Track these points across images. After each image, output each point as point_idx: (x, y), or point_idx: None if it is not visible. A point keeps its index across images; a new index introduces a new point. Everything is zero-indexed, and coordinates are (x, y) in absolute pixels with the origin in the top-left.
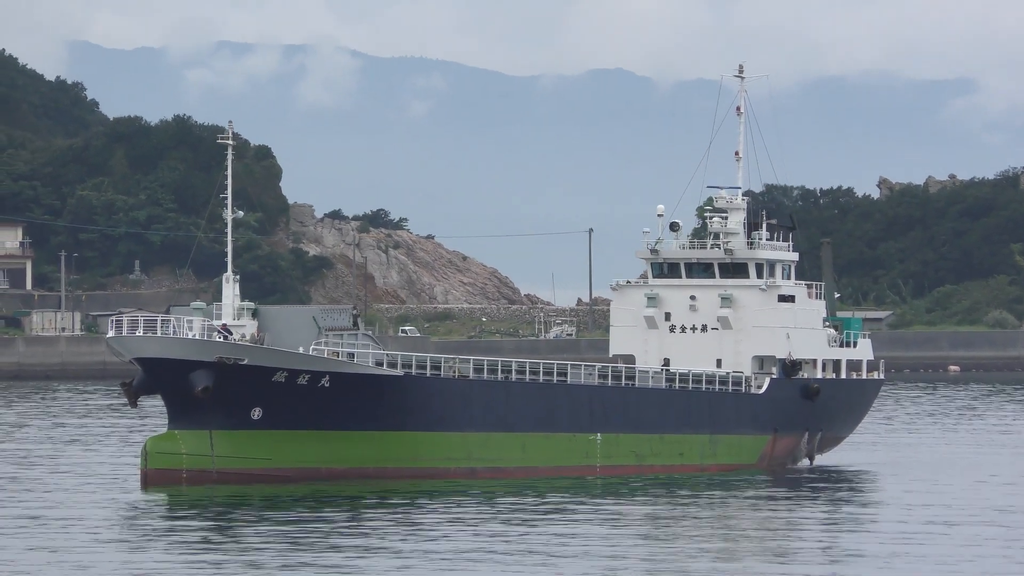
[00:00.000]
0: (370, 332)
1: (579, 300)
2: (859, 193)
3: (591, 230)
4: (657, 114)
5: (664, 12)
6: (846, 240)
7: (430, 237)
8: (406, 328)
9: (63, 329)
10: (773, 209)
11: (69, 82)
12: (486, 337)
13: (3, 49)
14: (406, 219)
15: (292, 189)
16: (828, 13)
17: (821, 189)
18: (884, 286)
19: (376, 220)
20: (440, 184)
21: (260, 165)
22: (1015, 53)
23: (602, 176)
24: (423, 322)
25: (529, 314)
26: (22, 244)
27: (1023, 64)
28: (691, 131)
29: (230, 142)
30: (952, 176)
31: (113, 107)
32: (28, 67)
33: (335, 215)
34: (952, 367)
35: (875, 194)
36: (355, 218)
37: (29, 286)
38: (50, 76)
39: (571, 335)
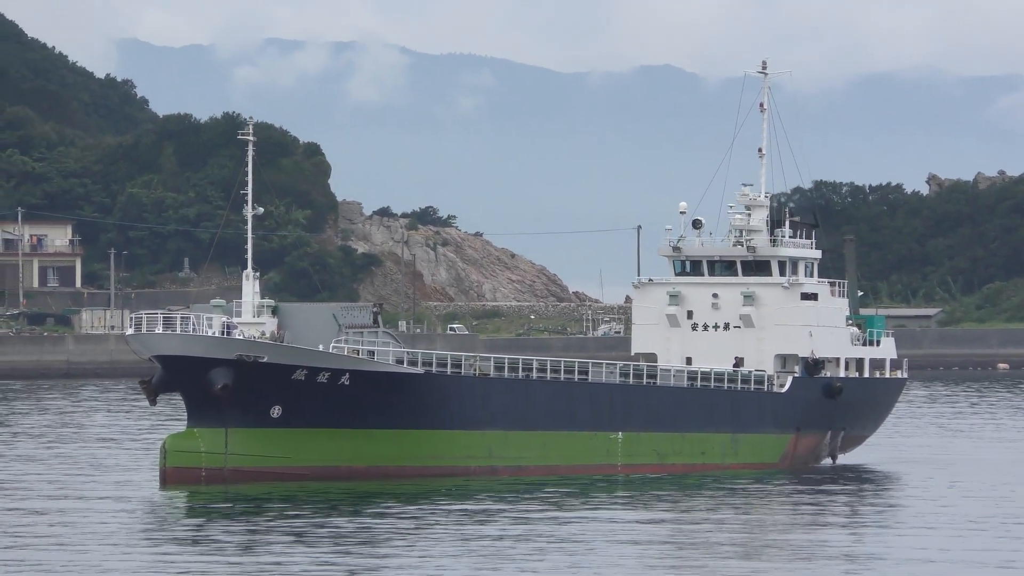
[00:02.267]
0: (391, 330)
1: (627, 297)
2: (908, 189)
3: (639, 227)
4: (705, 110)
5: (711, 8)
6: (895, 236)
7: (478, 234)
8: (454, 326)
9: (112, 327)
10: (822, 205)
11: (119, 80)
12: (534, 335)
13: (53, 47)
14: (455, 216)
15: (341, 186)
16: (875, 9)
17: (870, 185)
18: (933, 283)
19: (424, 217)
20: (489, 181)
21: (309, 162)
22: None
23: (651, 172)
24: (471, 320)
25: (577, 312)
26: (72, 242)
27: None
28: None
29: (251, 138)
30: (1002, 172)
31: (162, 104)
32: (78, 65)
33: (384, 212)
34: (1001, 364)
35: (924, 190)
36: (404, 215)
37: (79, 284)
38: (100, 74)
39: (619, 332)
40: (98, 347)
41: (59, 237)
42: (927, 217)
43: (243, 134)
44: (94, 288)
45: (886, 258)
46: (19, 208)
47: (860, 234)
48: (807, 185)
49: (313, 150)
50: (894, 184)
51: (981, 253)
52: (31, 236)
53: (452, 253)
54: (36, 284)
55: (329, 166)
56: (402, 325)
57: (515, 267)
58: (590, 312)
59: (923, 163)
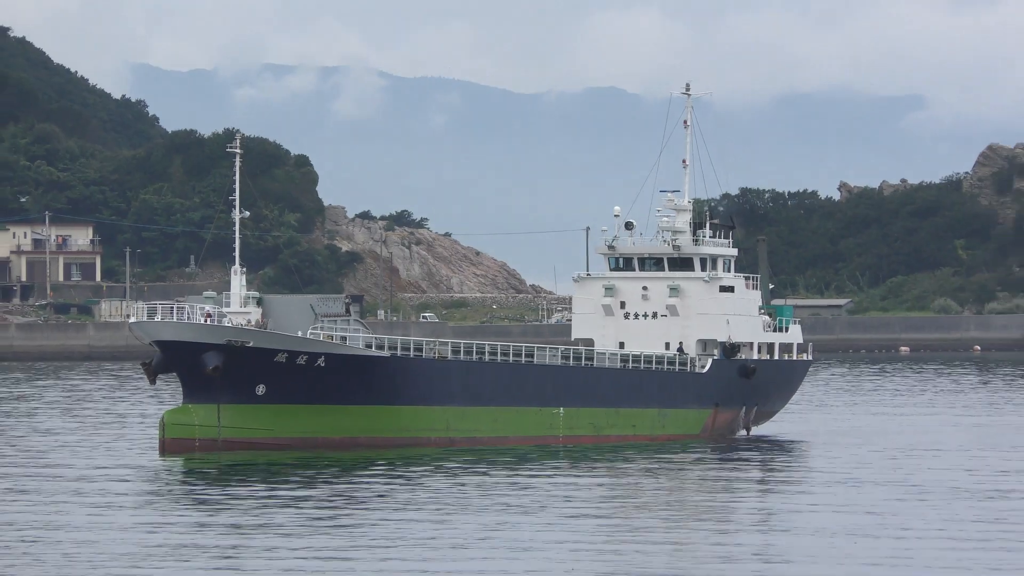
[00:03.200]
0: (360, 318)
1: None
2: (822, 196)
3: (588, 228)
4: (644, 127)
5: (653, 35)
6: (811, 237)
7: (447, 235)
8: (426, 315)
9: (128, 316)
10: (748, 209)
11: (132, 100)
12: (496, 322)
13: (75, 71)
14: (426, 219)
15: (327, 193)
16: (797, 35)
17: (789, 192)
18: (844, 277)
19: (400, 220)
20: (456, 188)
21: (299, 172)
22: (959, 73)
23: (598, 181)
24: (441, 309)
25: (534, 302)
26: (92, 242)
27: (966, 83)
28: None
29: (238, 151)
30: (904, 181)
31: (171, 122)
32: (97, 87)
33: (364, 215)
34: (903, 348)
35: (836, 196)
36: (382, 218)
37: (99, 278)
38: (116, 95)
39: (570, 320)
40: (115, 333)
41: (81, 237)
42: (839, 220)
43: (231, 147)
44: (112, 282)
45: (803, 255)
46: (46, 212)
47: (780, 234)
48: (734, 191)
49: (303, 161)
50: (810, 191)
51: (885, 251)
52: (57, 236)
53: (424, 251)
54: (61, 278)
55: (317, 175)
56: (380, 314)
57: (479, 263)
58: (545, 303)
59: (836, 172)
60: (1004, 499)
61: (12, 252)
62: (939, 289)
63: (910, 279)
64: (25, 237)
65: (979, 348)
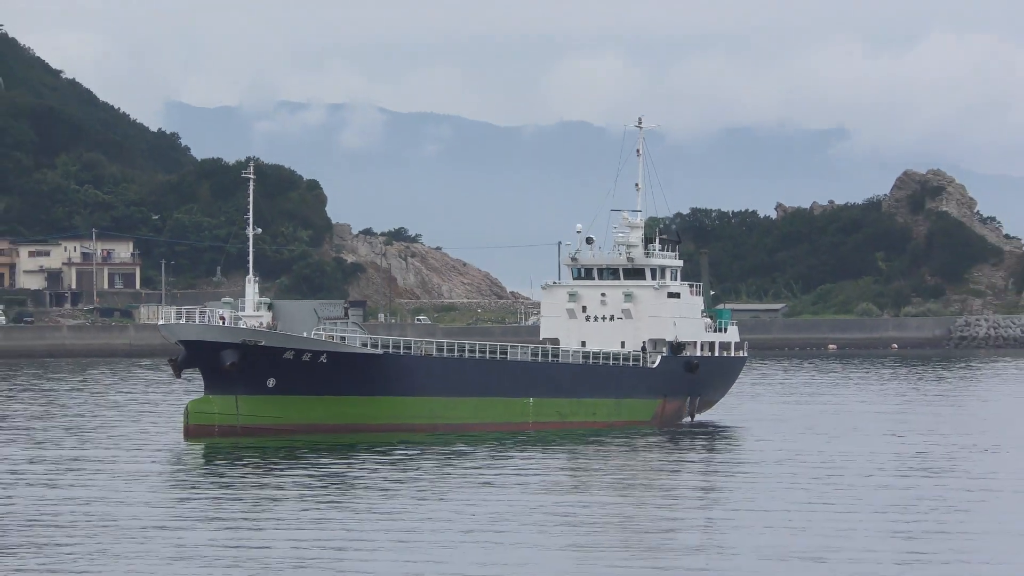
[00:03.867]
0: (358, 321)
1: None
2: (761, 215)
3: (560, 243)
4: (608, 155)
5: (615, 76)
6: (751, 250)
7: (438, 248)
8: (420, 317)
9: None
10: (697, 227)
11: (167, 132)
12: (480, 324)
13: (118, 108)
14: (420, 234)
15: (335, 212)
16: (739, 77)
17: (733, 211)
18: (780, 285)
19: (398, 235)
20: (446, 208)
21: (311, 194)
22: (877, 109)
23: (568, 202)
24: (433, 313)
25: (513, 307)
26: (133, 254)
27: (883, 117)
28: (632, 169)
29: (251, 176)
30: (831, 202)
31: (200, 151)
32: (137, 121)
33: (367, 232)
34: (831, 346)
35: (773, 215)
36: (382, 234)
37: (138, 286)
38: (153, 128)
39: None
40: (153, 334)
41: (123, 251)
42: (775, 235)
43: (246, 173)
44: (149, 289)
45: (744, 266)
46: (93, 229)
47: (725, 248)
48: (686, 211)
49: (313, 185)
50: (751, 210)
51: (815, 262)
52: (102, 250)
53: (418, 262)
54: (106, 286)
55: (326, 197)
56: (381, 317)
57: (466, 273)
58: (523, 307)
59: (772, 195)
60: (915, 476)
61: (64, 264)
62: (861, 295)
63: (836, 286)
64: (75, 251)
65: (896, 346)
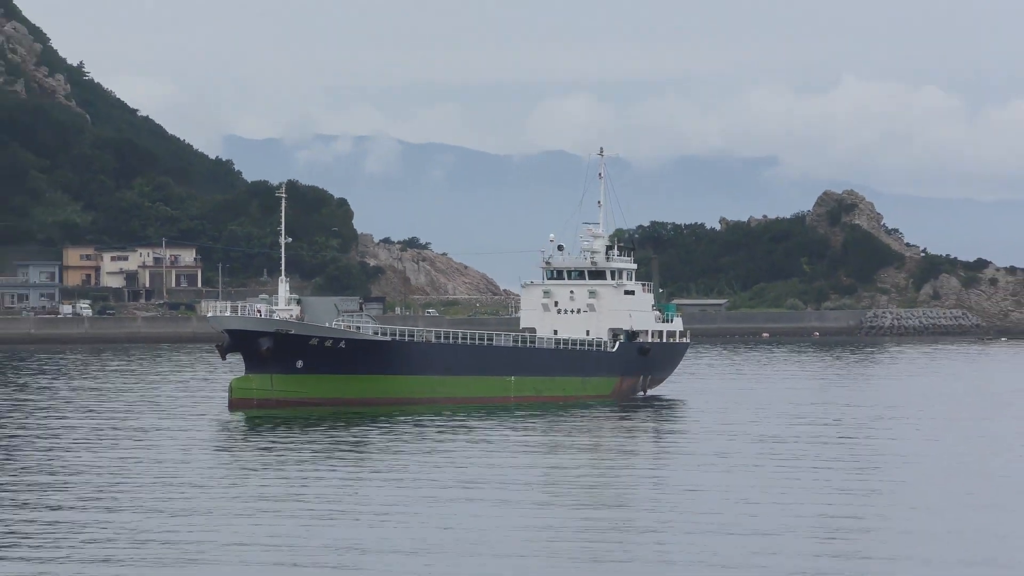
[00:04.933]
0: (370, 314)
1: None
2: (708, 227)
3: (543, 251)
4: (581, 179)
5: (588, 113)
6: (700, 256)
7: (444, 253)
8: (429, 310)
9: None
10: (655, 236)
11: (223, 160)
12: (479, 316)
13: (183, 139)
14: (430, 242)
15: (360, 224)
16: (690, 114)
17: (685, 224)
18: (723, 284)
19: (411, 243)
20: (451, 221)
21: (340, 210)
22: (802, 141)
23: (550, 216)
24: (440, 306)
25: (505, 302)
26: (195, 259)
27: (807, 148)
28: (596, 189)
29: (283, 195)
30: (764, 216)
31: (250, 175)
32: (198, 150)
33: (386, 240)
34: (764, 334)
35: (718, 227)
36: (398, 242)
37: (199, 285)
38: (211, 156)
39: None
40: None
41: (187, 256)
42: (719, 244)
43: (279, 193)
44: (208, 288)
45: (694, 269)
46: (163, 239)
47: (679, 254)
48: (647, 223)
49: (343, 203)
50: (699, 223)
51: (752, 266)
52: (170, 255)
53: (428, 265)
54: (173, 285)
55: (352, 212)
56: (397, 310)
57: (467, 274)
58: (513, 302)
59: (717, 211)
60: (827, 443)
61: (139, 267)
62: (789, 292)
63: (769, 285)
64: (148, 256)
65: (818, 334)
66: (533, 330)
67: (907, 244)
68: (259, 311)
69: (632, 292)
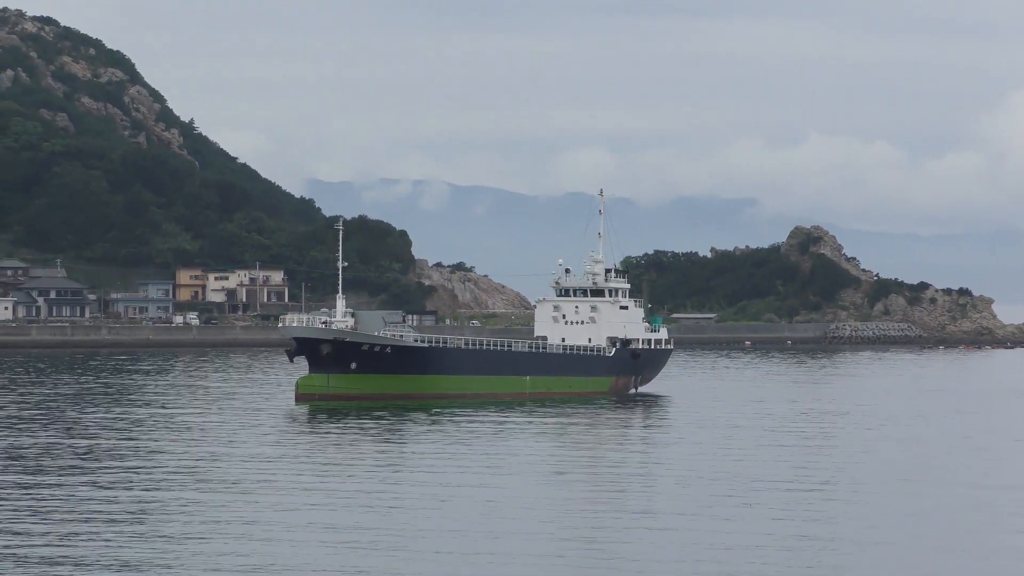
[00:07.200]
0: (424, 324)
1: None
2: (700, 255)
3: (553, 273)
4: (595, 216)
5: (600, 161)
6: (691, 278)
7: (486, 275)
8: (473, 322)
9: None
10: (657, 263)
11: (306, 198)
12: (513, 327)
13: (273, 181)
14: (474, 266)
15: (417, 252)
16: (684, 162)
17: (682, 253)
18: (713, 301)
19: (459, 267)
20: (491, 250)
21: (401, 240)
22: (777, 185)
23: (572, 250)
24: (482, 319)
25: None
26: (283, 279)
27: (781, 191)
28: (608, 227)
29: (341, 228)
30: (747, 246)
31: (328, 211)
32: (285, 191)
33: (438, 264)
34: (747, 342)
35: (709, 255)
36: (449, 266)
37: (286, 300)
38: (296, 195)
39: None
40: None
41: (277, 277)
42: (710, 269)
43: (337, 226)
44: (294, 302)
45: (689, 288)
46: (257, 262)
47: (676, 277)
48: (651, 252)
49: (403, 234)
50: (694, 252)
51: (736, 287)
52: (263, 276)
53: (472, 285)
54: (265, 300)
55: (411, 241)
56: (447, 322)
57: (504, 292)
58: None
59: (708, 241)
60: (804, 435)
61: (238, 285)
62: (767, 308)
63: (751, 303)
64: (245, 277)
65: (790, 342)
66: (545, 338)
67: (863, 269)
68: (321, 323)
69: (626, 307)
